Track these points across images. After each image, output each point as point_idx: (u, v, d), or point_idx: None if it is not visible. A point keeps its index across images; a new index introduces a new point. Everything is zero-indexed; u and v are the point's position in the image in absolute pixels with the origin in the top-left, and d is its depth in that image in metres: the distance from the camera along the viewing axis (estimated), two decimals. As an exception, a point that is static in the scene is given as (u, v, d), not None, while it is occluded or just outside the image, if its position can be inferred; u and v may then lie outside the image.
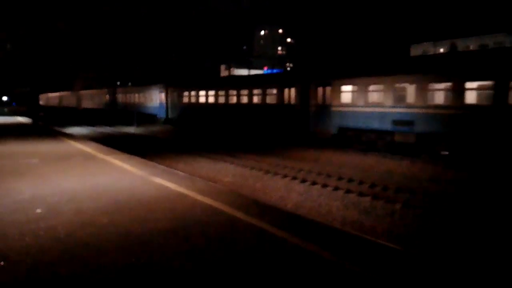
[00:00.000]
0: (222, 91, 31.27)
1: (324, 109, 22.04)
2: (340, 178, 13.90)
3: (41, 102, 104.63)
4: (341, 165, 16.91)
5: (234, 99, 30.37)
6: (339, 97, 21.24)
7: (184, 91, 37.02)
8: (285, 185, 13.32)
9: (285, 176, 14.67)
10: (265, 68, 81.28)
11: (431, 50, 67.53)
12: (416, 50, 69.77)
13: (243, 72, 68.13)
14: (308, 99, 23.23)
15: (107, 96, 56.53)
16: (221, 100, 31.40)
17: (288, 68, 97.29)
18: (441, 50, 67.89)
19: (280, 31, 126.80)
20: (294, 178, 14.25)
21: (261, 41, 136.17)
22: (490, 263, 7.40)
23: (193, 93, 35.37)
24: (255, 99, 27.87)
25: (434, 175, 14.53)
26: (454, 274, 5.19)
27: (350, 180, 13.64)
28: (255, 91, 27.81)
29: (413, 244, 8.22)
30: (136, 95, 46.95)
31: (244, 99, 29.01)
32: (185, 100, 36.70)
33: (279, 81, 25.95)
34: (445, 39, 69.47)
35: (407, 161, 17.04)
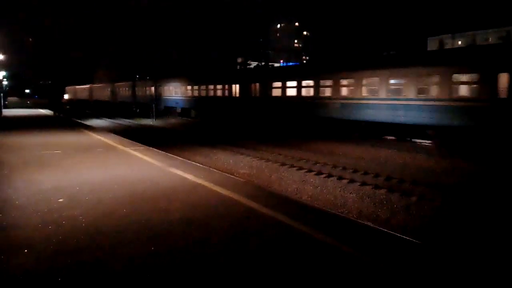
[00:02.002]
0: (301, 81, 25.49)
1: None
2: (355, 171, 13.92)
3: (67, 95, 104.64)
4: (357, 158, 16.90)
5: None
6: None
7: (218, 85, 34.11)
8: (300, 177, 13.39)
9: (300, 168, 14.74)
10: (281, 61, 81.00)
11: (449, 43, 66.44)
12: (433, 43, 68.72)
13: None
14: None
15: (151, 89, 48.72)
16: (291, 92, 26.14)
17: (304, 61, 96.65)
18: (459, 43, 66.73)
19: (296, 24, 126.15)
20: (310, 170, 14.31)
21: (277, 34, 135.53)
22: (506, 257, 7.39)
23: (278, 85, 28.34)
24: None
25: (451, 168, 14.43)
26: (469, 267, 5.23)
27: (366, 173, 13.64)
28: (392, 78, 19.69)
29: (429, 237, 8.24)
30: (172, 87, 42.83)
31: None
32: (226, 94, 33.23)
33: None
34: (463, 32, 68.17)
35: (423, 154, 16.93)
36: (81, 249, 5.28)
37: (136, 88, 53.94)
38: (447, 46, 62.25)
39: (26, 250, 5.23)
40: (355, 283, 4.44)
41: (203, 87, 36.77)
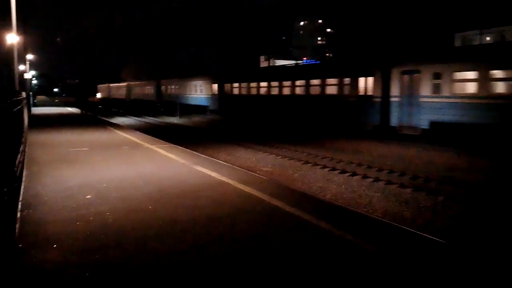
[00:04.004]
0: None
1: None
2: (380, 169, 13.75)
3: (99, 94, 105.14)
4: (382, 156, 16.69)
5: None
6: None
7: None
8: (324, 176, 13.31)
9: (324, 166, 14.65)
10: (304, 59, 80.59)
11: (477, 39, 64.75)
12: (460, 40, 67.10)
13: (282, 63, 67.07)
14: None
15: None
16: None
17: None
18: (488, 39, 64.93)
19: (320, 21, 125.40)
20: (333, 168, 14.20)
21: (301, 32, 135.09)
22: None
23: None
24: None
25: (479, 167, 14.11)
26: (497, 269, 5.11)
27: (391, 171, 13.46)
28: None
29: (457, 238, 8.09)
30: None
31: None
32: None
33: None
34: (491, 27, 66.14)
35: (450, 152, 16.61)
36: (108, 245, 5.36)
37: (185, 86, 46.77)
38: (475, 43, 60.63)
39: (55, 245, 5.33)
40: (378, 282, 4.39)
41: (298, 82, 28.64)
